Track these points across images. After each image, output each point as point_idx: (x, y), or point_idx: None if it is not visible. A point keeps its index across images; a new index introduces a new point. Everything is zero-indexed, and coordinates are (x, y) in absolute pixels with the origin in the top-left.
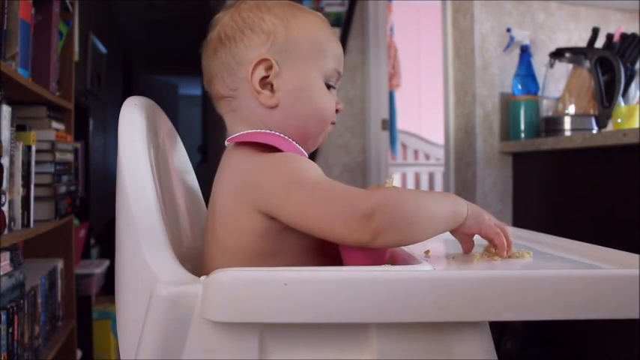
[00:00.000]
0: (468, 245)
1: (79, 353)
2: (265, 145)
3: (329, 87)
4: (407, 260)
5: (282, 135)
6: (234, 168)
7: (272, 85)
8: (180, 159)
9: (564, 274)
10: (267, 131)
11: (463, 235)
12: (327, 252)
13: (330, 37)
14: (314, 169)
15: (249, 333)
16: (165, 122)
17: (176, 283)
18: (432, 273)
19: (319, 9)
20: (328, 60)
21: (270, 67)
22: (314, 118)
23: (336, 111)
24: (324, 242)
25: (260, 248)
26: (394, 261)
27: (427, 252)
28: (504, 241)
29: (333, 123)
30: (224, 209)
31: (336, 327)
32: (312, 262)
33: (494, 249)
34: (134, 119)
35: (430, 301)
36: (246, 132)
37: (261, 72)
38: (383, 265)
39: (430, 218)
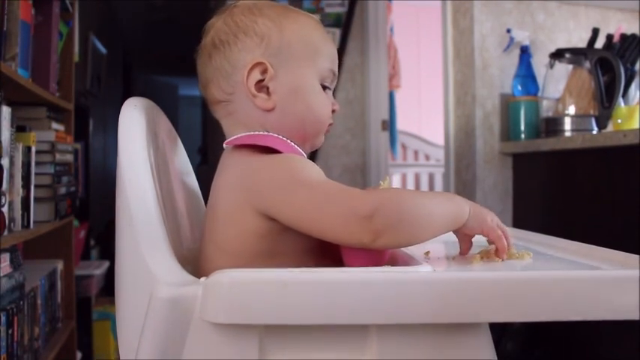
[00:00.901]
0: (466, 245)
1: (78, 355)
2: (264, 147)
3: (324, 88)
4: (407, 261)
5: (280, 136)
6: (234, 169)
7: (268, 88)
8: (180, 160)
9: (564, 275)
10: (265, 133)
11: (464, 235)
12: (327, 253)
13: (323, 37)
14: (313, 169)
15: (249, 334)
16: (165, 123)
17: (176, 284)
18: (432, 274)
19: (319, 9)
20: (322, 60)
21: (265, 71)
22: (310, 119)
23: (332, 111)
24: (324, 243)
25: (260, 249)
26: (394, 262)
27: (427, 253)
28: (505, 244)
29: (330, 124)
30: (224, 210)
31: (336, 328)
32: (312, 263)
33: (494, 251)
34: (134, 120)
35: (430, 302)
36: (244, 134)
37: (256, 75)
38: (383, 266)
39: (431, 219)
